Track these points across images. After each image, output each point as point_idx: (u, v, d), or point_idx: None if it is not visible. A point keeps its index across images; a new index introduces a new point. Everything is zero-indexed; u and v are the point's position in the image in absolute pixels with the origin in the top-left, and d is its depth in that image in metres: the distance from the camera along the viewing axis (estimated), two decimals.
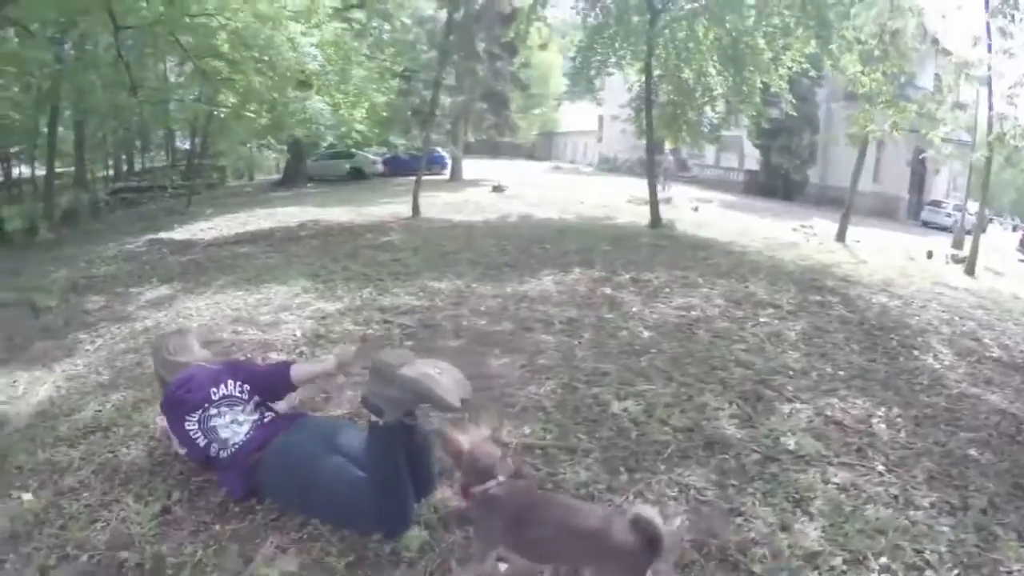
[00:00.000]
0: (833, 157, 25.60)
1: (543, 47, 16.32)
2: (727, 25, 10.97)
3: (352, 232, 11.17)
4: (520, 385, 3.81)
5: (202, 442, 2.72)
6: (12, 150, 23.96)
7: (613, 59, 12.15)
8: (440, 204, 15.08)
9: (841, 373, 4.32)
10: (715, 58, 11.60)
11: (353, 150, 27.20)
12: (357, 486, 2.40)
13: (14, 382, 4.39)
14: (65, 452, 3.22)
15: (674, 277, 6.89)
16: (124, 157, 32.61)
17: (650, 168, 12.19)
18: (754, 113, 11.71)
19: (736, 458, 3.05)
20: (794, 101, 12.37)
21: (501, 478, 2.15)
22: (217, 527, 2.56)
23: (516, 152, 46.96)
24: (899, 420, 3.64)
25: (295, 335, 4.90)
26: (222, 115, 12.55)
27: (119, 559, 2.40)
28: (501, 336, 4.85)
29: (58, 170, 22.18)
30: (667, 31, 11.33)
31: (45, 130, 20.11)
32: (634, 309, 5.66)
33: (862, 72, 10.66)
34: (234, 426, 2.73)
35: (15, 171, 25.90)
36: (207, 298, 6.38)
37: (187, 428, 2.75)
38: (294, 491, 2.55)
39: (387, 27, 24.62)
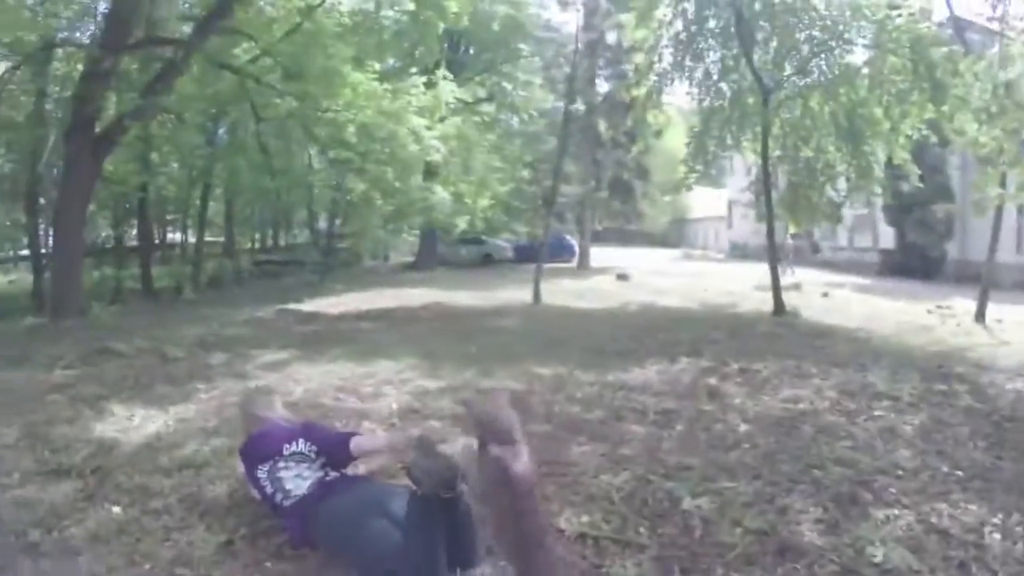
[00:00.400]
0: (973, 229, 22.88)
1: (659, 134, 16.47)
2: (841, 99, 10.70)
3: (470, 315, 11.55)
4: (594, 474, 3.75)
5: (269, 489, 3.04)
6: (167, 217, 26.51)
7: (729, 141, 12.12)
8: (563, 291, 15.34)
9: (959, 473, 3.88)
10: (832, 134, 11.28)
11: (483, 236, 28.37)
12: (395, 549, 2.56)
13: (131, 416, 4.91)
14: (159, 480, 3.65)
15: (786, 367, 6.56)
16: (270, 232, 35.60)
17: (771, 253, 11.78)
18: (877, 188, 11.19)
19: (808, 568, 2.80)
20: (920, 172, 11.65)
21: (523, 449, 2.30)
22: (270, 565, 2.85)
23: (647, 240, 47.08)
24: (1018, 529, 3.19)
25: (391, 407, 5.15)
26: (353, 200, 13.65)
27: (177, 575, 2.71)
28: (590, 424, 4.81)
29: (208, 239, 24.38)
30: (781, 110, 11.20)
31: (198, 203, 22.35)
32: (736, 401, 5.42)
33: (978, 131, 9.84)
34: (298, 479, 3.04)
35: (169, 236, 28.54)
36: (319, 366, 6.78)
37: (258, 475, 3.11)
38: (342, 545, 2.78)
39: (515, 119, 26.03)
